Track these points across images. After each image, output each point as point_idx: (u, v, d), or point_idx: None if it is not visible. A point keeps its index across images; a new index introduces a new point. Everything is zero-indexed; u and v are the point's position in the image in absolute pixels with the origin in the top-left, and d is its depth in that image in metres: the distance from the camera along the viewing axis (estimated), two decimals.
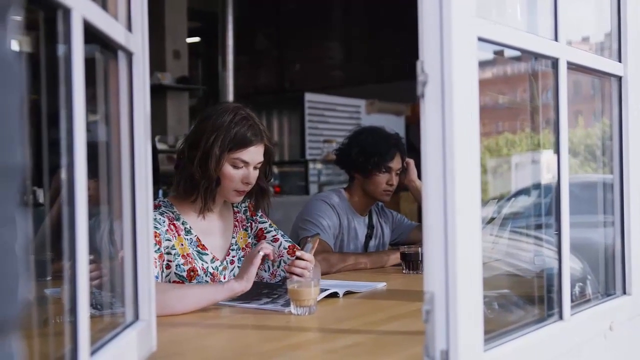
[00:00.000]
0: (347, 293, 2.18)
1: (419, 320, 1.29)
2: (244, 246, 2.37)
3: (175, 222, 2.20)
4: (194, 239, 2.23)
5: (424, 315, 1.18)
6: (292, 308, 1.88)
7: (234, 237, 2.35)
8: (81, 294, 1.01)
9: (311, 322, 1.82)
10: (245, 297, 2.05)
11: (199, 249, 2.23)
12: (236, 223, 2.37)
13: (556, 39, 1.51)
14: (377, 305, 2.08)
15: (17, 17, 0.64)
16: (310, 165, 7.45)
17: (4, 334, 0.58)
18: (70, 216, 1.00)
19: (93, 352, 1.09)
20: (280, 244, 2.36)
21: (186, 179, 2.20)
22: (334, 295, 2.12)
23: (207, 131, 2.17)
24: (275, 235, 2.39)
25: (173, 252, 2.15)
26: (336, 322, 1.86)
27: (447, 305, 1.16)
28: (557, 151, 1.52)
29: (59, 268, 1.17)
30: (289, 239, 2.41)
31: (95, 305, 1.32)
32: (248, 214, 2.42)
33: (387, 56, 9.28)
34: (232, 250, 2.33)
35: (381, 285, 2.35)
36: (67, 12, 0.98)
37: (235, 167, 2.19)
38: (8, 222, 0.58)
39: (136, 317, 1.37)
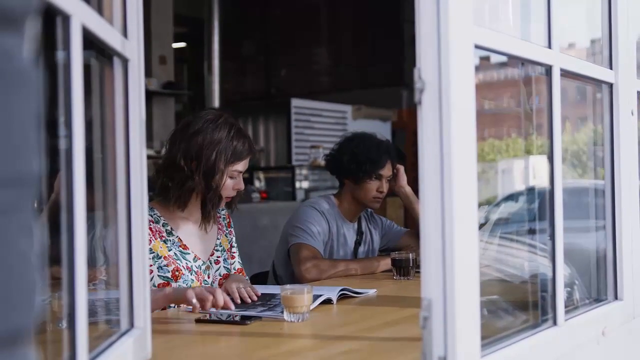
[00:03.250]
0: (342, 297, 2.19)
1: (413, 327, 1.29)
2: (227, 248, 2.47)
3: (153, 225, 2.26)
4: (176, 239, 2.29)
5: (422, 321, 1.18)
6: (285, 315, 1.87)
7: (218, 239, 2.43)
8: (79, 302, 1.00)
9: (305, 329, 1.82)
10: (241, 306, 2.05)
11: (180, 248, 2.29)
12: (219, 226, 2.47)
13: (550, 46, 1.52)
14: (370, 312, 2.08)
15: (34, 25, 0.63)
16: (297, 171, 7.43)
17: (21, 342, 0.58)
18: (68, 223, 0.99)
19: None
20: (234, 263, 2.48)
21: (187, 191, 2.26)
22: (327, 301, 2.11)
23: (206, 146, 2.23)
24: (235, 253, 2.52)
25: (151, 255, 2.20)
26: (330, 328, 1.86)
27: (445, 312, 1.16)
28: (551, 157, 1.53)
29: (52, 275, 1.16)
30: (241, 262, 2.53)
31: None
32: (226, 222, 2.52)
33: (373, 62, 9.31)
34: (217, 250, 2.42)
35: (372, 292, 2.35)
36: (66, 18, 0.98)
37: (231, 177, 2.30)
38: (25, 231, 0.58)
39: (131, 324, 1.36)
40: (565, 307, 1.57)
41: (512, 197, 2.73)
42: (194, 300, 1.91)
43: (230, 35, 9.36)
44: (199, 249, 2.35)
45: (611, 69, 1.82)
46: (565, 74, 1.58)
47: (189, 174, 2.23)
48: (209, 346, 1.69)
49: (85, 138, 1.04)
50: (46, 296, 1.48)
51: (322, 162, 3.28)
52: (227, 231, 2.50)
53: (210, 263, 2.38)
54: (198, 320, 1.89)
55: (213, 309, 2.00)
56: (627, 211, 1.83)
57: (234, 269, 2.47)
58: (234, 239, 2.54)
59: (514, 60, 1.60)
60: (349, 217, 3.10)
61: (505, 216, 2.39)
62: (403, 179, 3.13)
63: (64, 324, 1.18)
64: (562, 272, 1.53)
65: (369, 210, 3.20)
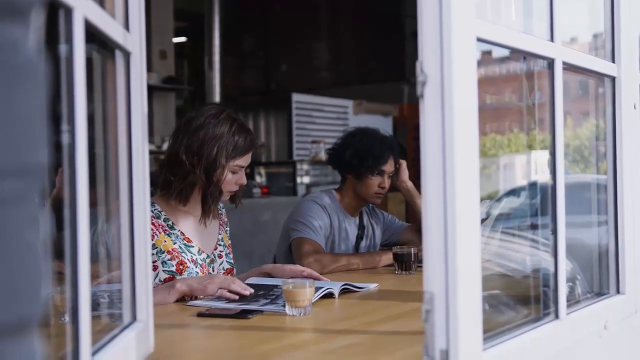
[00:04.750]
0: (344, 291, 2.20)
1: (414, 320, 1.29)
2: (228, 244, 2.49)
3: (155, 220, 2.27)
4: (179, 233, 2.30)
5: (424, 315, 1.18)
6: (287, 309, 1.87)
7: (220, 234, 2.46)
8: (82, 296, 1.00)
9: (306, 322, 1.82)
10: (243, 299, 2.05)
11: (185, 242, 2.31)
12: (221, 222, 2.49)
13: (552, 39, 1.52)
14: (371, 306, 2.08)
15: (39, 16, 0.63)
16: (298, 166, 7.42)
17: (27, 333, 0.58)
18: (71, 217, 0.99)
19: (93, 354, 1.08)
20: (222, 262, 2.45)
21: (189, 186, 2.27)
22: (329, 295, 2.12)
23: (207, 141, 2.24)
24: (229, 252, 2.51)
25: (155, 250, 2.21)
26: (332, 322, 1.86)
27: (447, 305, 1.16)
28: (553, 151, 1.53)
29: (53, 269, 1.16)
30: (232, 262, 2.50)
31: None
32: (225, 219, 2.54)
33: (374, 57, 9.31)
34: (220, 245, 2.44)
35: (374, 286, 2.35)
36: (69, 11, 0.97)
37: (233, 172, 2.31)
38: (32, 222, 0.59)
39: (134, 318, 1.36)
40: (567, 301, 1.57)
41: (514, 192, 2.73)
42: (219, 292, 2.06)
43: (231, 30, 9.35)
44: (202, 242, 2.37)
45: (614, 62, 1.81)
46: (567, 67, 1.57)
47: (191, 169, 2.24)
48: (211, 340, 1.69)
49: (87, 132, 1.04)
50: (51, 288, 1.48)
51: (324, 157, 3.30)
52: (226, 228, 2.53)
53: (214, 257, 2.40)
54: (200, 314, 1.89)
55: (215, 303, 2.01)
56: (629, 205, 1.83)
57: (223, 269, 2.46)
58: (229, 237, 2.56)
59: (516, 54, 1.60)
60: (351, 211, 3.10)
61: (507, 211, 2.39)
62: (405, 173, 3.13)
63: (67, 318, 1.19)
64: (564, 266, 1.53)
65: (371, 205, 3.20)
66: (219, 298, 2.07)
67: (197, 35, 9.14)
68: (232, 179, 2.31)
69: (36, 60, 0.61)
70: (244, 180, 2.36)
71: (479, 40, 1.25)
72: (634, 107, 1.85)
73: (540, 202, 1.81)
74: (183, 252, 2.27)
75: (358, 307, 2.08)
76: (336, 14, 9.88)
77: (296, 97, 7.95)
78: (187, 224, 2.35)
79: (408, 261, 2.64)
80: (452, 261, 1.16)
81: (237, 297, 2.04)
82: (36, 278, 0.59)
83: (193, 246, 2.32)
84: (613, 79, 1.81)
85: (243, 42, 10.44)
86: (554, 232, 1.53)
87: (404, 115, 8.36)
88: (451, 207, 1.16)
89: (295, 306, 1.87)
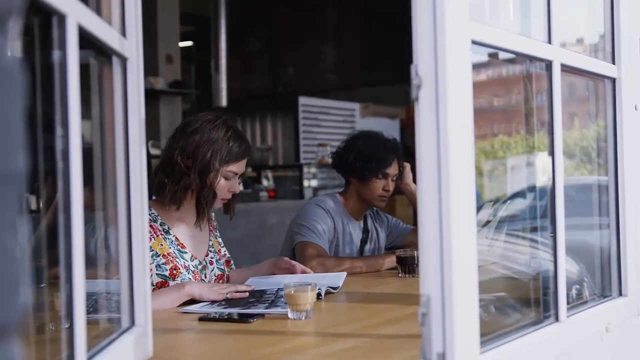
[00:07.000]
0: (327, 293, 2.22)
1: (415, 324, 1.29)
2: (218, 250, 2.50)
3: (152, 223, 2.29)
4: (173, 238, 2.33)
5: (420, 318, 1.18)
6: (289, 312, 1.87)
7: (210, 240, 2.48)
8: (77, 301, 1.01)
9: (308, 326, 1.82)
10: (235, 305, 2.04)
11: (179, 247, 2.33)
12: (211, 228, 2.51)
13: (550, 41, 1.51)
14: (373, 309, 2.08)
15: (17, 24, 0.64)
16: (305, 169, 7.42)
17: (5, 339, 0.58)
18: (66, 223, 1.00)
19: (89, 358, 1.09)
20: (213, 269, 2.46)
21: (182, 189, 2.29)
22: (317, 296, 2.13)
23: (203, 144, 2.27)
24: (219, 258, 2.51)
25: (150, 253, 2.23)
26: (333, 326, 1.86)
27: (444, 308, 1.16)
28: (552, 153, 1.52)
29: (54, 274, 1.17)
30: (222, 268, 2.51)
31: (89, 310, 1.31)
32: (215, 224, 2.56)
33: (381, 59, 9.29)
34: (211, 251, 2.46)
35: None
36: (62, 18, 0.98)
37: (226, 178, 2.33)
38: (10, 227, 0.59)
39: (132, 322, 1.37)
40: (573, 303, 1.56)
41: (520, 194, 2.72)
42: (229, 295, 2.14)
43: (237, 33, 9.36)
44: (195, 249, 2.39)
45: (614, 63, 1.81)
46: (566, 69, 1.57)
47: (185, 171, 2.27)
48: (211, 344, 1.69)
49: (86, 138, 1.04)
50: (29, 294, 1.47)
51: (330, 160, 3.30)
52: (216, 233, 2.55)
53: (206, 263, 2.42)
54: (202, 319, 1.89)
55: (210, 309, 2.01)
56: (631, 207, 1.82)
57: (222, 264, 2.49)
58: (220, 240, 2.57)
59: (520, 56, 1.59)
60: (355, 215, 3.10)
61: (513, 213, 2.39)
62: (409, 176, 3.13)
63: (64, 324, 1.19)
64: (564, 267, 1.53)
65: (375, 208, 3.20)
66: (212, 304, 2.08)
67: (203, 39, 9.16)
68: (225, 185, 2.32)
69: (15, 68, 0.61)
70: (237, 189, 2.38)
71: (474, 42, 1.25)
72: (635, 108, 1.84)
73: (545, 204, 1.80)
74: (177, 257, 2.29)
75: (360, 310, 2.08)
76: (342, 16, 9.87)
77: (303, 100, 7.95)
78: (181, 230, 2.37)
79: (411, 264, 2.64)
80: (448, 264, 1.16)
81: (246, 294, 2.15)
82: (14, 284, 0.60)
83: (186, 252, 2.34)
84: (613, 80, 1.80)
85: (249, 45, 10.44)
86: (554, 233, 1.53)
87: (411, 118, 8.31)
88: (446, 210, 1.16)
89: (297, 310, 1.86)
